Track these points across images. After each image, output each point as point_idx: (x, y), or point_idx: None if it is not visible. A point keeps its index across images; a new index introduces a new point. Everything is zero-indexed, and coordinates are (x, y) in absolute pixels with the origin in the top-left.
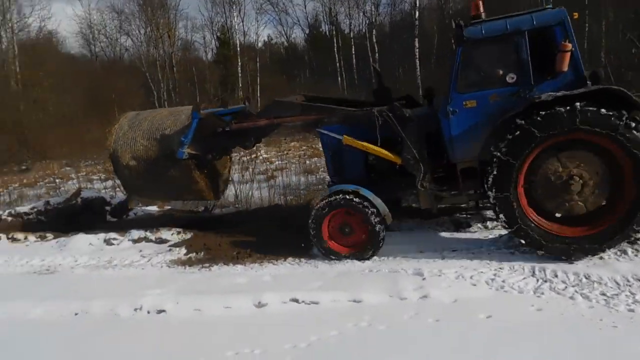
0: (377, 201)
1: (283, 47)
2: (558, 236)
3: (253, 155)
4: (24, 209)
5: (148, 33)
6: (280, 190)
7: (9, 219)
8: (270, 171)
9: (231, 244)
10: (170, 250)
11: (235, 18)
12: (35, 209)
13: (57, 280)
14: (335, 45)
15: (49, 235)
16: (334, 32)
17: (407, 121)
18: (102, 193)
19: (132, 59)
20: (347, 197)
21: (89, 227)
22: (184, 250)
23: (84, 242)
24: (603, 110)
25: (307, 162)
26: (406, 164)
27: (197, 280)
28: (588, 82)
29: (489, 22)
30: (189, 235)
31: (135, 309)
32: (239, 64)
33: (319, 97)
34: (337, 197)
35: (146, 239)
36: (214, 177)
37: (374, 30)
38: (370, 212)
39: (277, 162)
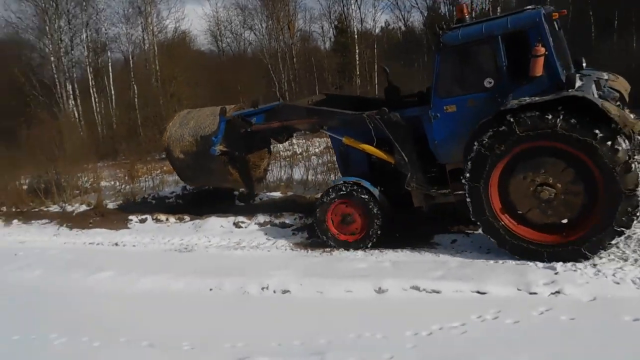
0: (376, 192)
1: (400, 32)
2: (522, 238)
3: None
4: (165, 193)
5: (269, 26)
6: None
7: (153, 202)
8: None
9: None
10: (293, 234)
11: (353, 5)
12: (175, 193)
13: (194, 258)
14: None
15: (186, 217)
16: (454, 13)
17: (395, 124)
18: None
19: (254, 52)
20: (350, 187)
21: (220, 210)
22: (305, 235)
23: (216, 224)
24: (573, 120)
25: None
26: (397, 165)
27: (318, 263)
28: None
29: (466, 27)
30: (310, 220)
31: (263, 288)
32: (357, 51)
33: (340, 95)
34: (341, 187)
35: (271, 223)
36: (248, 169)
37: (498, 8)
38: (369, 201)
39: None
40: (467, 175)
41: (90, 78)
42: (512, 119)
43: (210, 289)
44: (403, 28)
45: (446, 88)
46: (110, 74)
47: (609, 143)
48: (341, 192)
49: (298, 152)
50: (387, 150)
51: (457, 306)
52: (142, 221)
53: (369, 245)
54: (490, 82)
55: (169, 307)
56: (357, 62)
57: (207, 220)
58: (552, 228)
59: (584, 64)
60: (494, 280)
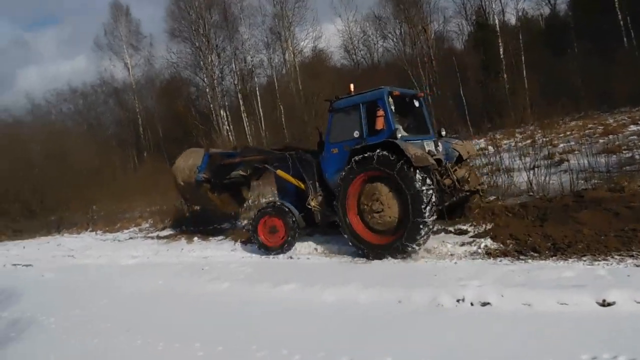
0: (294, 210)
1: (542, 18)
2: (366, 241)
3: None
4: None
5: (403, 32)
6: (577, 175)
7: None
8: (557, 154)
9: (541, 234)
10: (473, 240)
11: None
12: None
13: (372, 268)
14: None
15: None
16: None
17: (304, 161)
18: None
19: (389, 61)
20: (275, 206)
21: None
22: (488, 241)
23: None
24: (385, 153)
25: (601, 140)
26: (306, 190)
27: (514, 272)
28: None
29: (347, 98)
30: (489, 226)
31: (458, 300)
32: (500, 45)
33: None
34: (269, 207)
35: (445, 230)
36: (227, 196)
37: None
38: (290, 217)
39: (561, 145)
40: (336, 190)
41: (240, 103)
42: (356, 158)
43: (399, 301)
44: (546, 14)
45: (332, 137)
46: (258, 97)
47: (404, 174)
48: (269, 210)
49: None
50: (301, 179)
51: None
52: (310, 234)
53: (289, 249)
54: (357, 133)
55: (360, 321)
56: (502, 56)
57: None
58: (380, 233)
59: (444, 132)
60: None
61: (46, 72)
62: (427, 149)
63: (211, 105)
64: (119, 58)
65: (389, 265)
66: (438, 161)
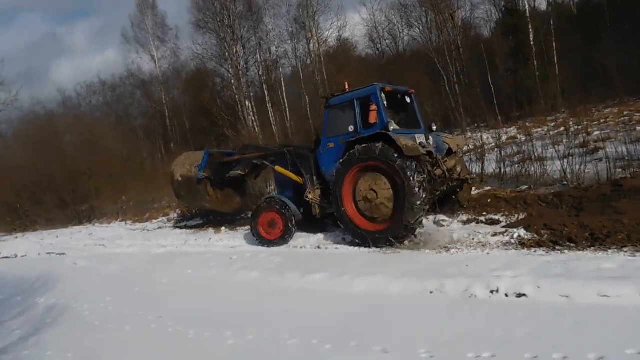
0: (292, 205)
1: (574, 3)
2: (362, 228)
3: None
4: None
5: (430, 20)
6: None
7: None
8: (591, 142)
9: (578, 225)
10: (506, 231)
11: None
12: None
13: (401, 258)
14: None
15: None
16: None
17: (301, 156)
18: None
19: (415, 49)
20: (273, 201)
21: None
22: (521, 231)
23: None
24: (374, 145)
25: (638, 128)
26: (303, 183)
27: (550, 263)
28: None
29: (342, 95)
30: (522, 215)
31: (492, 291)
32: (530, 31)
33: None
34: (267, 201)
35: (476, 221)
36: (224, 194)
37: None
38: (286, 211)
39: (596, 133)
40: (333, 182)
41: (265, 94)
42: (356, 147)
43: (431, 292)
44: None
45: (329, 132)
46: (283, 87)
47: (396, 164)
48: (267, 205)
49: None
50: (299, 174)
51: None
52: (337, 225)
53: (289, 241)
54: (351, 128)
55: (392, 311)
56: (532, 42)
57: None
58: (375, 220)
59: (434, 127)
60: None
61: (77, 65)
62: (418, 141)
63: (236, 96)
64: (146, 50)
65: (418, 255)
66: (429, 153)
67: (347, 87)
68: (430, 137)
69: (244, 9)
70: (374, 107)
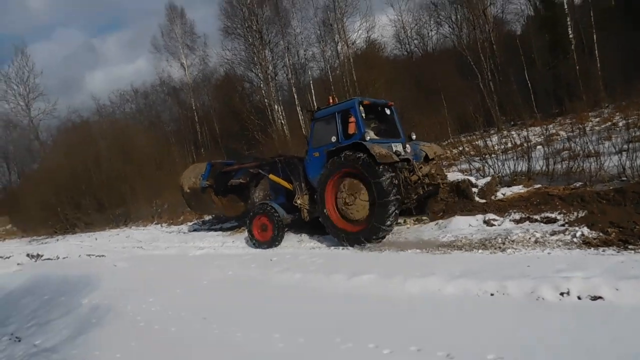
0: (280, 210)
1: None
2: (340, 228)
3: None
4: None
5: (460, 18)
6: None
7: None
8: None
9: None
10: (566, 229)
11: None
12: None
13: (453, 259)
14: None
15: (425, 218)
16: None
17: (293, 165)
18: (468, 175)
19: (445, 47)
20: (264, 207)
21: (460, 209)
22: (584, 229)
23: (462, 223)
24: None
25: None
26: (293, 189)
27: (624, 263)
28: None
29: (327, 108)
30: (581, 213)
31: (562, 293)
32: (569, 24)
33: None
34: (259, 207)
35: (529, 219)
36: (228, 200)
37: None
38: (275, 216)
39: None
40: (318, 187)
41: (294, 97)
42: (337, 156)
43: (492, 294)
44: None
45: (314, 142)
46: (312, 90)
47: (370, 169)
48: (260, 210)
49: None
50: (289, 181)
51: None
52: None
53: (279, 244)
54: (334, 138)
55: (451, 314)
56: (571, 36)
57: (451, 220)
58: (354, 222)
59: (414, 137)
60: None
61: (110, 74)
62: (394, 149)
63: (266, 100)
64: (175, 58)
65: (470, 256)
66: (406, 160)
67: (331, 101)
68: (407, 145)
69: (272, 14)
70: (352, 119)
